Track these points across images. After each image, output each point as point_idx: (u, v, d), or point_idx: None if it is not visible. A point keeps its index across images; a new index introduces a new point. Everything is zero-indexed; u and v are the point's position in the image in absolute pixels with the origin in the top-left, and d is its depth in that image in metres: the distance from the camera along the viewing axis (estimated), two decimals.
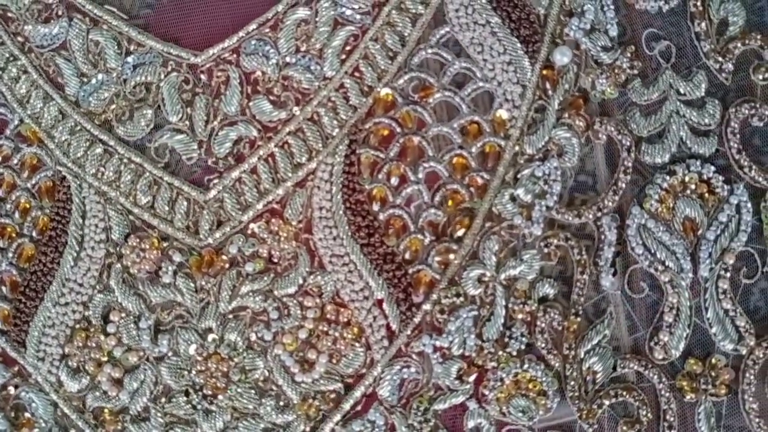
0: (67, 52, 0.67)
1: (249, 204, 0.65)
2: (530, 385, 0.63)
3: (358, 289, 0.64)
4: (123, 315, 0.65)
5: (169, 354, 0.64)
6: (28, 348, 0.65)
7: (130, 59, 0.66)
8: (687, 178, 0.64)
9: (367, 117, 0.65)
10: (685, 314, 0.63)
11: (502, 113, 0.65)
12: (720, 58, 0.65)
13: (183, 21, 0.67)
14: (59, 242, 0.65)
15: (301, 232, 0.65)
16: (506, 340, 0.63)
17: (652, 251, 0.63)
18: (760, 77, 0.65)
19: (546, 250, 0.64)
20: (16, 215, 0.66)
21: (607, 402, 0.63)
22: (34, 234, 0.66)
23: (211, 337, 0.64)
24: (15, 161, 0.67)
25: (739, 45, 0.65)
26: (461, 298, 0.64)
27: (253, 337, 0.64)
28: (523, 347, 0.63)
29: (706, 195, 0.64)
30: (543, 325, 0.63)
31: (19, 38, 0.67)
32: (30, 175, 0.67)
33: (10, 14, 0.67)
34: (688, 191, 0.64)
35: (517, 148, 0.65)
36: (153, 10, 0.67)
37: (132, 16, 0.67)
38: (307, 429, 0.64)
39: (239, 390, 0.64)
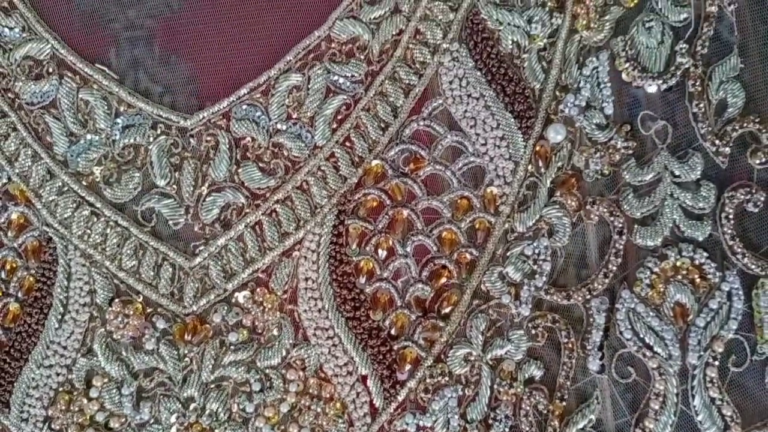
0: (57, 111, 0.66)
1: (234, 272, 0.64)
2: None
3: (342, 364, 0.63)
4: (106, 380, 0.64)
5: (151, 421, 0.64)
6: (12, 409, 0.65)
7: (119, 120, 0.66)
8: (679, 263, 0.63)
9: (356, 188, 0.65)
10: (672, 401, 0.62)
11: (494, 189, 0.64)
12: (717, 141, 0.64)
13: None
14: (44, 303, 0.65)
15: (286, 303, 0.64)
16: (490, 421, 0.63)
17: (641, 336, 0.62)
18: (757, 161, 0.64)
19: (534, 332, 0.63)
20: (2, 274, 0.66)
21: None
22: (19, 294, 0.66)
23: (192, 406, 0.64)
24: (2, 220, 0.66)
25: (737, 127, 0.64)
26: (446, 377, 0.63)
27: (235, 408, 0.64)
28: (507, 429, 0.63)
29: (698, 281, 0.63)
30: (528, 407, 0.63)
31: (10, 94, 0.67)
32: (17, 234, 0.66)
33: (1, 70, 0.67)
34: (680, 276, 0.63)
35: (507, 225, 0.64)
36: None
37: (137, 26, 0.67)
38: None
39: None
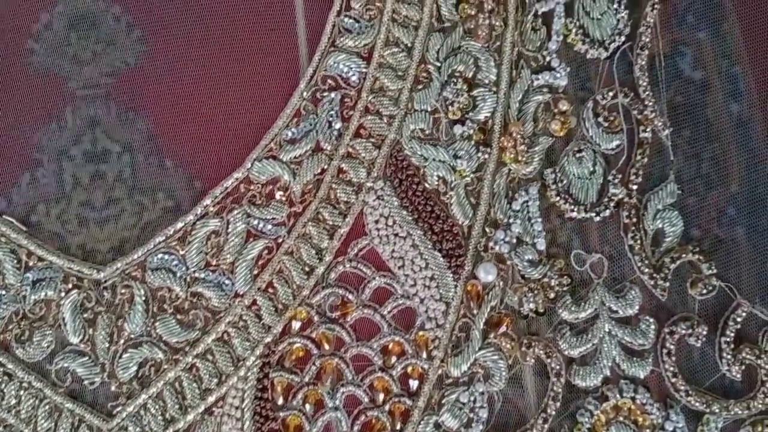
0: None
1: None
2: None
3: None
4: None
5: None
6: None
7: (29, 275, 0.62)
8: (620, 403, 0.60)
9: (281, 337, 0.62)
10: None
11: (425, 333, 0.61)
12: (655, 274, 0.61)
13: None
14: None
15: None
16: None
17: None
18: (697, 292, 0.61)
19: None
20: None
21: None
22: None
23: None
24: None
25: (675, 258, 0.61)
26: None
27: None
28: None
29: (641, 420, 0.60)
30: None
31: None
32: None
33: None
34: (622, 417, 0.60)
35: (441, 370, 0.61)
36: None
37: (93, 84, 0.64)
38: None
39: None
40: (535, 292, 0.61)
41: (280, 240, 0.62)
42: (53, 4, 0.64)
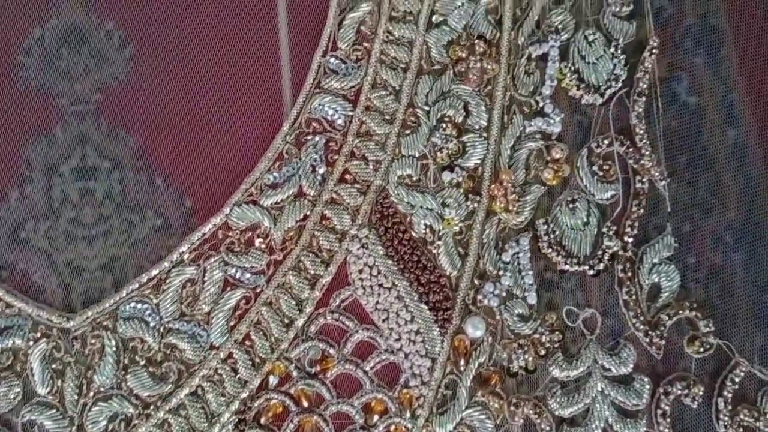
0: None
1: None
2: None
3: None
4: None
5: None
6: None
7: None
8: None
9: (257, 392, 0.59)
10: None
11: (410, 390, 0.59)
12: (650, 331, 0.59)
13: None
14: None
15: None
16: None
17: None
18: (694, 350, 0.59)
19: None
20: None
21: None
22: None
23: None
24: None
25: (671, 314, 0.59)
26: None
27: None
28: None
29: None
30: None
31: None
32: None
33: None
34: None
35: (425, 430, 0.58)
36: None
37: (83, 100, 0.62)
38: None
39: None
40: (526, 348, 0.58)
41: (258, 290, 0.60)
42: (46, 18, 0.62)
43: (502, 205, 0.59)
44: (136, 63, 0.62)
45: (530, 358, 0.58)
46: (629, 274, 0.59)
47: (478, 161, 0.60)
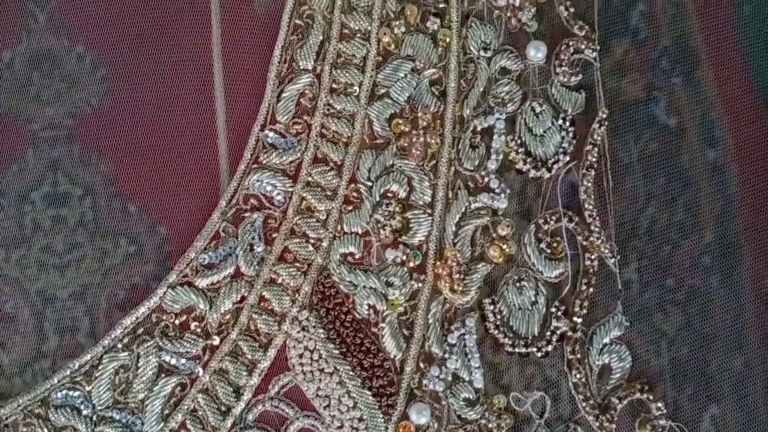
0: None
1: None
2: None
3: None
4: None
5: None
6: None
7: None
8: None
9: None
10: None
11: None
12: (600, 414, 0.57)
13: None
14: None
15: None
16: None
17: None
18: None
19: None
20: None
21: None
22: None
23: None
24: None
25: (622, 397, 0.57)
26: None
27: None
28: None
29: None
30: None
31: None
32: None
33: None
34: None
35: None
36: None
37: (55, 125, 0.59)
38: None
39: None
40: None
41: (194, 376, 0.57)
42: (16, 42, 0.60)
43: (448, 285, 0.57)
44: (108, 87, 0.60)
45: None
46: (578, 355, 0.57)
47: (423, 238, 0.58)
